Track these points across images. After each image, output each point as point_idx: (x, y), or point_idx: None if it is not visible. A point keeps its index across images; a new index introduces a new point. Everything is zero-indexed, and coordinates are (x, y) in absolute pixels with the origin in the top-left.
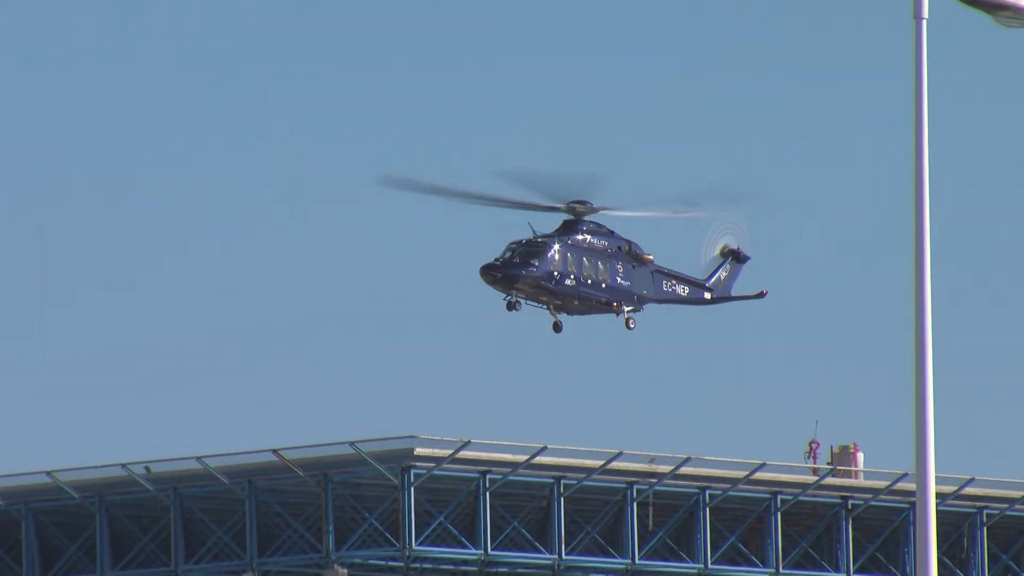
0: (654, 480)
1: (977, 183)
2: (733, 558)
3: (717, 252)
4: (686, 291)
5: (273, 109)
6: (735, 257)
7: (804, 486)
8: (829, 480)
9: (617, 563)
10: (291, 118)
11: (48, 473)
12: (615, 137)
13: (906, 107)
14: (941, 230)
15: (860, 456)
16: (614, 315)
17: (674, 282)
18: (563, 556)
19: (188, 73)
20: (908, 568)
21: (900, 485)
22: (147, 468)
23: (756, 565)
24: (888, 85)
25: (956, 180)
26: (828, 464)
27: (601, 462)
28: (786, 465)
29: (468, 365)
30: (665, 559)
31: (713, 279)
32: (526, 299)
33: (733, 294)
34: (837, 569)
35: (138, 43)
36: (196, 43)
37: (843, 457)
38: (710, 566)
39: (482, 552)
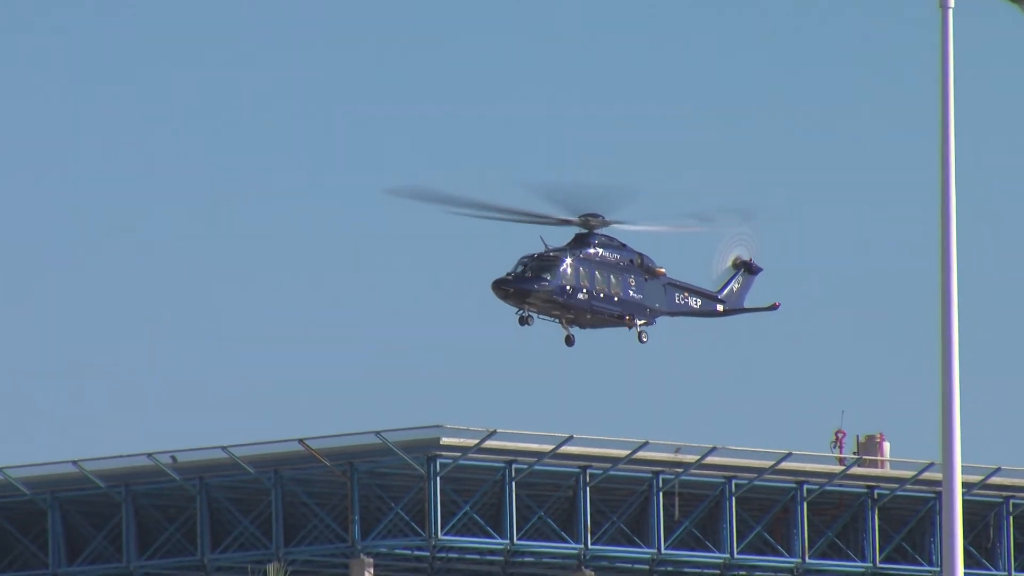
0: (680, 470)
1: (1003, 174)
2: (759, 548)
3: (729, 264)
4: (698, 303)
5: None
6: (747, 269)
7: (830, 476)
8: (855, 470)
9: (643, 553)
10: (316, 118)
11: (74, 462)
12: (630, 154)
13: (923, 99)
14: (966, 220)
15: (886, 446)
16: (626, 328)
17: (686, 294)
18: (589, 546)
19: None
20: (934, 558)
21: (926, 475)
22: (173, 457)
23: (782, 555)
24: (907, 80)
25: (982, 171)
26: (854, 454)
27: (627, 452)
28: (812, 455)
29: (494, 355)
30: (691, 549)
31: (725, 291)
32: (538, 313)
33: (746, 306)
34: (863, 559)
35: (136, 40)
36: (210, 60)
37: (869, 447)
38: (736, 556)
39: (508, 542)
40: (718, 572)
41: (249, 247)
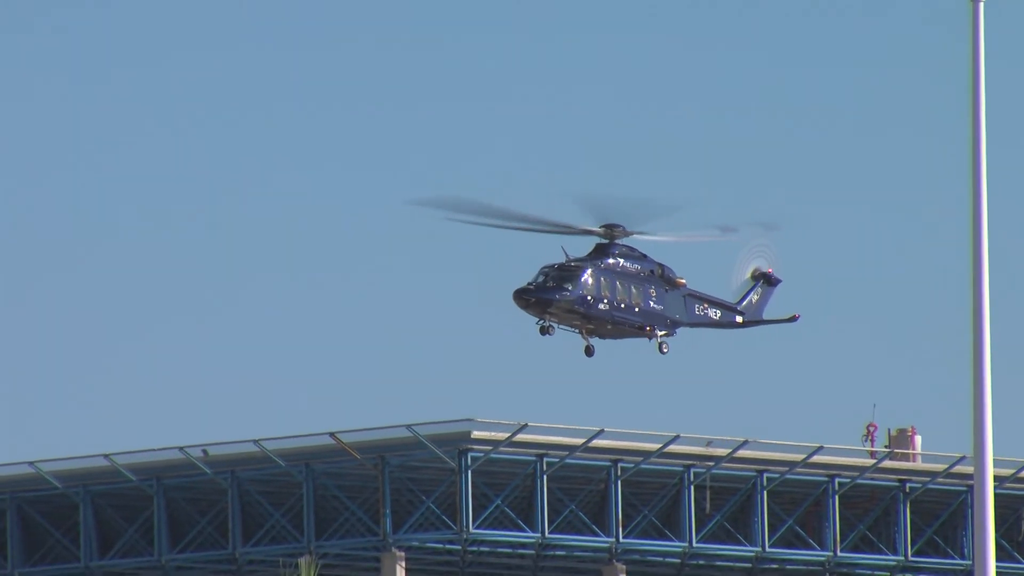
0: (711, 463)
1: None
2: (790, 541)
3: (748, 276)
4: (718, 315)
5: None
6: (766, 280)
7: (862, 469)
8: (887, 463)
9: (674, 546)
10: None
11: (106, 456)
12: (653, 165)
13: (944, 92)
14: (996, 214)
15: (918, 439)
16: (647, 339)
17: (706, 305)
18: (620, 539)
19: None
20: (966, 551)
21: (958, 468)
22: (205, 451)
23: (813, 548)
24: (921, 76)
25: (1011, 166)
26: (886, 447)
27: (658, 445)
28: (844, 448)
29: (525, 348)
30: (722, 542)
31: (745, 302)
32: (559, 323)
33: (765, 317)
34: (895, 552)
35: (140, 40)
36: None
37: (901, 440)
38: (767, 549)
39: (539, 535)
40: (749, 565)
41: (282, 241)
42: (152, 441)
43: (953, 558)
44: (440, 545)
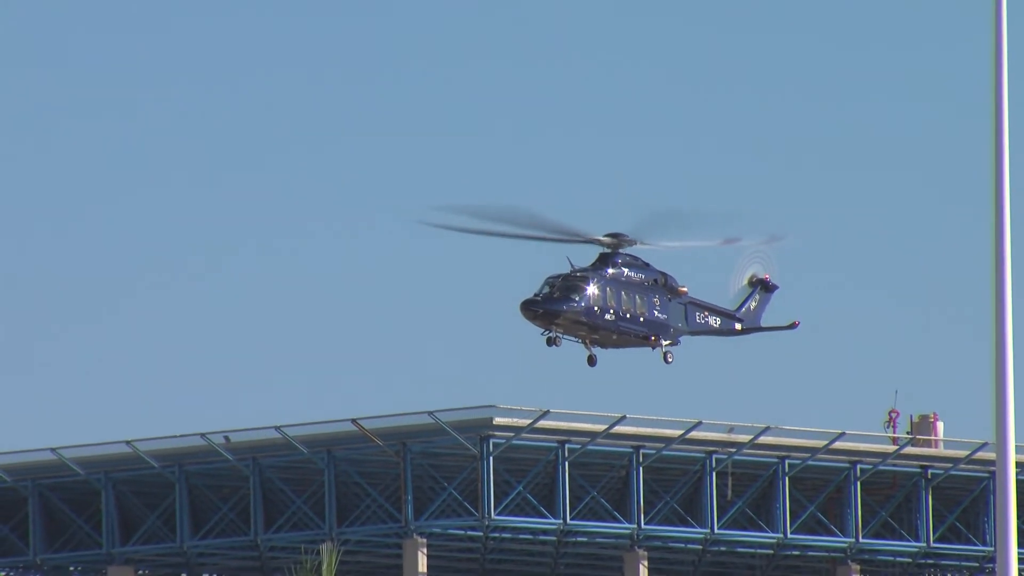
0: (733, 450)
1: None
2: (812, 527)
3: (745, 282)
4: (718, 322)
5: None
6: (764, 286)
7: (883, 455)
8: (909, 449)
9: (696, 533)
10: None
11: (128, 443)
12: (651, 173)
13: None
14: (1020, 197)
15: (940, 425)
16: (650, 349)
17: (707, 313)
18: (642, 526)
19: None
20: (987, 537)
21: (980, 454)
22: (226, 438)
23: (835, 534)
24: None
25: None
26: (908, 433)
27: (680, 432)
28: (865, 434)
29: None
30: (744, 528)
31: (743, 309)
32: (564, 334)
33: (763, 324)
34: (916, 538)
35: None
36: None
37: (923, 426)
38: (789, 536)
39: (561, 522)
40: (771, 552)
41: (306, 227)
42: (174, 428)
43: (975, 544)
44: (462, 531)
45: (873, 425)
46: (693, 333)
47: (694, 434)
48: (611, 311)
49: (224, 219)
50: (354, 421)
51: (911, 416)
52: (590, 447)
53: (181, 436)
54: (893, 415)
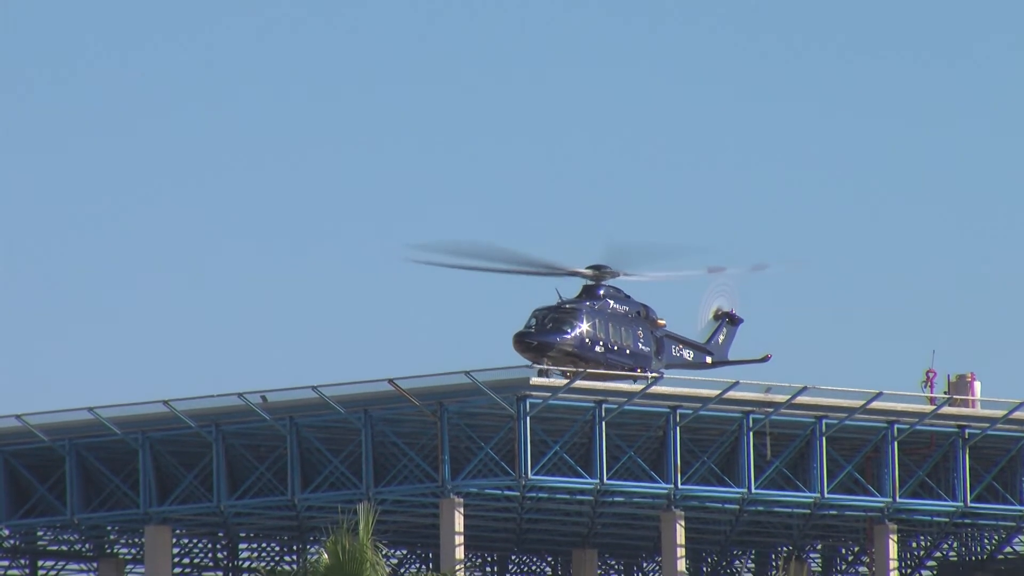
0: (770, 410)
1: None
2: (849, 487)
3: (711, 316)
4: (691, 356)
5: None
6: (730, 319)
7: (921, 415)
8: (946, 409)
9: (733, 492)
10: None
11: (165, 402)
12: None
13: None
14: None
15: (977, 385)
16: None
17: (681, 346)
18: (679, 486)
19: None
20: None
21: (1017, 414)
22: (263, 397)
23: (872, 494)
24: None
25: None
26: (945, 393)
27: (717, 391)
28: (903, 394)
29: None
30: (781, 488)
31: (712, 343)
32: (553, 365)
33: (730, 358)
34: (953, 498)
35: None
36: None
37: (960, 386)
38: (826, 495)
39: (597, 481)
40: (808, 512)
41: (346, 192)
42: (211, 388)
43: (1012, 504)
44: (498, 491)
45: (910, 385)
46: (668, 366)
47: (731, 394)
48: (600, 343)
49: (273, 176)
50: (391, 381)
51: (948, 376)
52: (627, 407)
53: (218, 396)
54: (930, 375)
